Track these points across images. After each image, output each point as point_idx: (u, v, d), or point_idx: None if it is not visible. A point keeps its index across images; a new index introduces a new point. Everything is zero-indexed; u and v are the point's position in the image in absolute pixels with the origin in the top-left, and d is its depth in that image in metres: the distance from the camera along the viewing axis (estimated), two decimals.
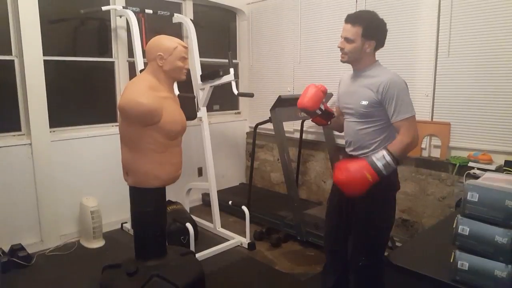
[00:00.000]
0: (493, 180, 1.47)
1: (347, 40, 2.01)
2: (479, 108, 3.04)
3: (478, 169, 2.95)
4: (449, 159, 3.17)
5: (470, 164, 3.02)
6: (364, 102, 1.99)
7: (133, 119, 2.20)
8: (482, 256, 1.38)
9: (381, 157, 1.86)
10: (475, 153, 3.02)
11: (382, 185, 1.93)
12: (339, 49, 2.08)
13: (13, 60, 3.24)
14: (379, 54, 1.98)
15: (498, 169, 2.87)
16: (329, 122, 2.21)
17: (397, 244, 3.28)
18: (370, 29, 1.98)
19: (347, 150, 2.17)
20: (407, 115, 1.91)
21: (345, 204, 2.17)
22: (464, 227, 1.42)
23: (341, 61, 2.09)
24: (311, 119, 2.23)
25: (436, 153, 3.33)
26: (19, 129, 3.33)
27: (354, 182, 1.86)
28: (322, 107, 2.14)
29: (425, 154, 3.39)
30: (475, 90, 3.04)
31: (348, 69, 2.19)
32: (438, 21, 3.17)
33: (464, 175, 3.02)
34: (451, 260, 1.45)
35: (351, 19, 2.01)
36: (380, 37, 2.04)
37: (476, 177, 2.84)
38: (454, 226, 1.45)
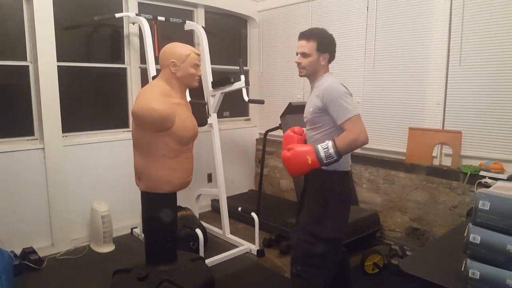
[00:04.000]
0: (505, 189, 1.46)
1: (303, 55, 2.12)
2: (491, 117, 3.02)
3: (490, 178, 2.92)
4: (460, 168, 3.15)
5: (482, 173, 2.99)
6: (310, 109, 2.13)
7: (146, 125, 2.23)
8: (494, 265, 1.37)
9: (325, 147, 1.94)
10: (487, 162, 3.00)
11: (334, 193, 2.10)
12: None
13: (28, 66, 3.30)
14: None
15: (510, 178, 2.84)
16: None
17: (408, 252, 3.25)
18: (324, 43, 2.12)
19: None
20: (348, 116, 1.98)
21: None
22: (476, 235, 1.41)
23: (300, 75, 2.22)
24: None
25: (447, 162, 3.31)
26: (32, 134, 3.39)
27: (296, 162, 1.99)
28: None
29: (436, 162, 3.37)
30: (487, 98, 3.02)
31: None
32: (450, 29, 3.17)
33: (476, 184, 3.00)
34: (462, 269, 1.44)
35: (305, 35, 2.13)
36: (332, 49, 2.17)
37: (487, 186, 2.81)
38: (465, 235, 1.44)
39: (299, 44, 2.15)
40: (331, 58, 2.17)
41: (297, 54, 2.15)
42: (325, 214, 2.10)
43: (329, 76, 2.16)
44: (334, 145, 1.93)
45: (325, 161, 1.94)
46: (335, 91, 2.02)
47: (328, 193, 2.12)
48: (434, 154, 3.36)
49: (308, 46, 2.10)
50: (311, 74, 2.17)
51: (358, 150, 3.80)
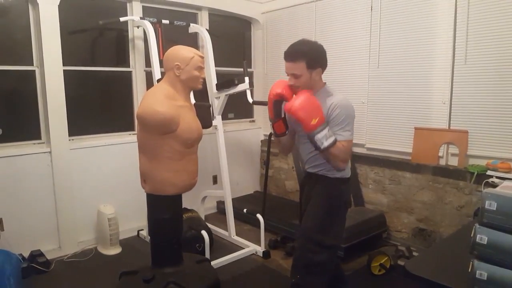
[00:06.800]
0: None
1: (294, 76, 2.04)
2: (498, 116, 2.99)
3: (497, 177, 2.90)
4: (467, 168, 3.12)
5: (489, 172, 2.97)
6: None
7: (151, 128, 2.24)
8: (501, 266, 1.36)
9: (329, 135, 1.92)
10: (494, 162, 2.97)
11: (340, 200, 2.12)
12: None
13: (34, 70, 3.33)
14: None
15: None
16: (286, 132, 2.17)
17: (414, 253, 3.23)
18: (313, 59, 2.02)
19: (305, 167, 2.25)
20: (349, 137, 2.00)
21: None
22: (482, 236, 1.40)
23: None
24: (272, 123, 2.16)
25: (453, 162, 3.29)
26: (39, 138, 3.42)
27: (310, 105, 1.93)
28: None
29: (442, 162, 3.35)
30: (493, 97, 3.00)
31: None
32: (455, 27, 3.15)
33: (483, 184, 2.97)
34: (469, 270, 1.43)
35: (291, 57, 2.04)
36: (323, 61, 2.08)
37: (494, 185, 2.79)
38: (472, 235, 1.43)
39: (286, 66, 2.06)
40: (324, 68, 2.10)
41: (288, 75, 2.07)
42: (330, 221, 2.10)
43: (332, 90, 2.09)
44: (332, 143, 1.92)
45: (316, 136, 1.90)
46: (351, 110, 2.01)
47: (335, 201, 2.12)
48: (440, 154, 3.34)
49: (297, 67, 2.01)
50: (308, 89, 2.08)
51: (364, 151, 3.86)
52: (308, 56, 2.01)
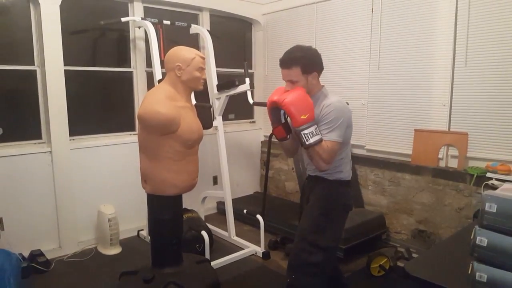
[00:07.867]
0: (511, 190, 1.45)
1: (291, 82, 2.06)
2: (498, 118, 3.00)
3: (497, 179, 2.91)
4: (466, 170, 3.13)
5: (488, 174, 2.97)
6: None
7: (152, 128, 2.24)
8: (501, 268, 1.37)
9: (315, 133, 1.94)
10: (493, 164, 2.98)
11: (338, 203, 2.12)
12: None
13: (35, 70, 3.34)
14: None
15: None
16: (288, 136, 2.14)
17: (414, 255, 3.24)
18: (307, 64, 2.04)
19: (307, 171, 2.28)
20: (336, 138, 1.98)
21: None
22: (482, 238, 1.40)
23: None
24: (272, 128, 2.17)
25: (453, 163, 3.29)
26: (40, 137, 3.42)
27: (302, 101, 1.95)
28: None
29: (442, 164, 3.35)
30: (493, 99, 3.01)
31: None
32: (455, 30, 3.16)
33: (482, 186, 2.98)
34: (469, 272, 1.44)
35: (285, 64, 2.07)
36: (318, 65, 2.10)
37: (494, 187, 2.80)
38: (471, 237, 1.43)
39: (282, 73, 2.09)
40: (320, 71, 2.12)
41: (285, 81, 2.09)
42: (326, 223, 2.10)
43: (328, 93, 2.11)
44: (317, 141, 1.94)
45: (303, 132, 1.93)
46: (343, 113, 2.01)
47: (332, 203, 2.13)
48: (440, 155, 3.34)
49: (293, 73, 2.04)
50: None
51: (364, 152, 3.86)
52: (302, 62, 2.03)
